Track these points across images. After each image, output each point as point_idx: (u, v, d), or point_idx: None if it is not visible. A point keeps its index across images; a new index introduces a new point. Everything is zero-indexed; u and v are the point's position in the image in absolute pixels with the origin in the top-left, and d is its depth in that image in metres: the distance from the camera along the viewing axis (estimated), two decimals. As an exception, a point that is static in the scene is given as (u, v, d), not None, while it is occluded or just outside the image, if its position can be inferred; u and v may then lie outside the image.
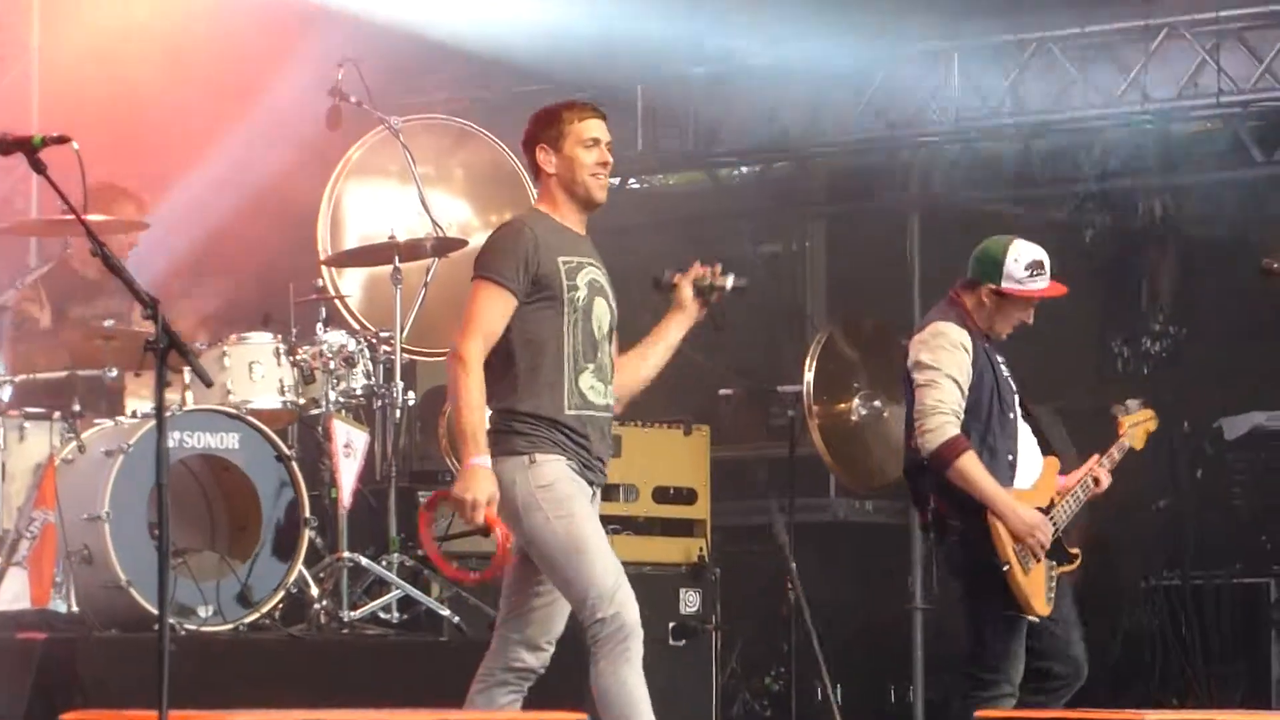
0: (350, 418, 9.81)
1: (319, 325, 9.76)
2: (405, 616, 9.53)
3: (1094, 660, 8.84)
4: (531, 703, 7.21)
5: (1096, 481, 8.24)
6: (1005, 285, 8.07)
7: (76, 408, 9.00)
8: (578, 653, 7.00)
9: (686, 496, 10.85)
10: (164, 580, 6.22)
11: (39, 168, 6.15)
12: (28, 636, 8.55)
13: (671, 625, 10.65)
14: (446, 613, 9.50)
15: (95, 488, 8.70)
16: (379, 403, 9.83)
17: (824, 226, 13.51)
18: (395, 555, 9.54)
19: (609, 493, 10.74)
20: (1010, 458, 8.20)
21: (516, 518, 6.85)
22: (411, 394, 10.01)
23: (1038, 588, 8.16)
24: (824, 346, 11.66)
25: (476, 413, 6.88)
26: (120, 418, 9.08)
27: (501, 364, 6.89)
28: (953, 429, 8.07)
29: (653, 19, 11.88)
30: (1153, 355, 13.06)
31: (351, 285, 10.63)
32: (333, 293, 10.32)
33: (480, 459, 6.83)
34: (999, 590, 8.13)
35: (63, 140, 6.18)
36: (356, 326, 10.13)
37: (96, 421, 9.07)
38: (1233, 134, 11.83)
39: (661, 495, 11.22)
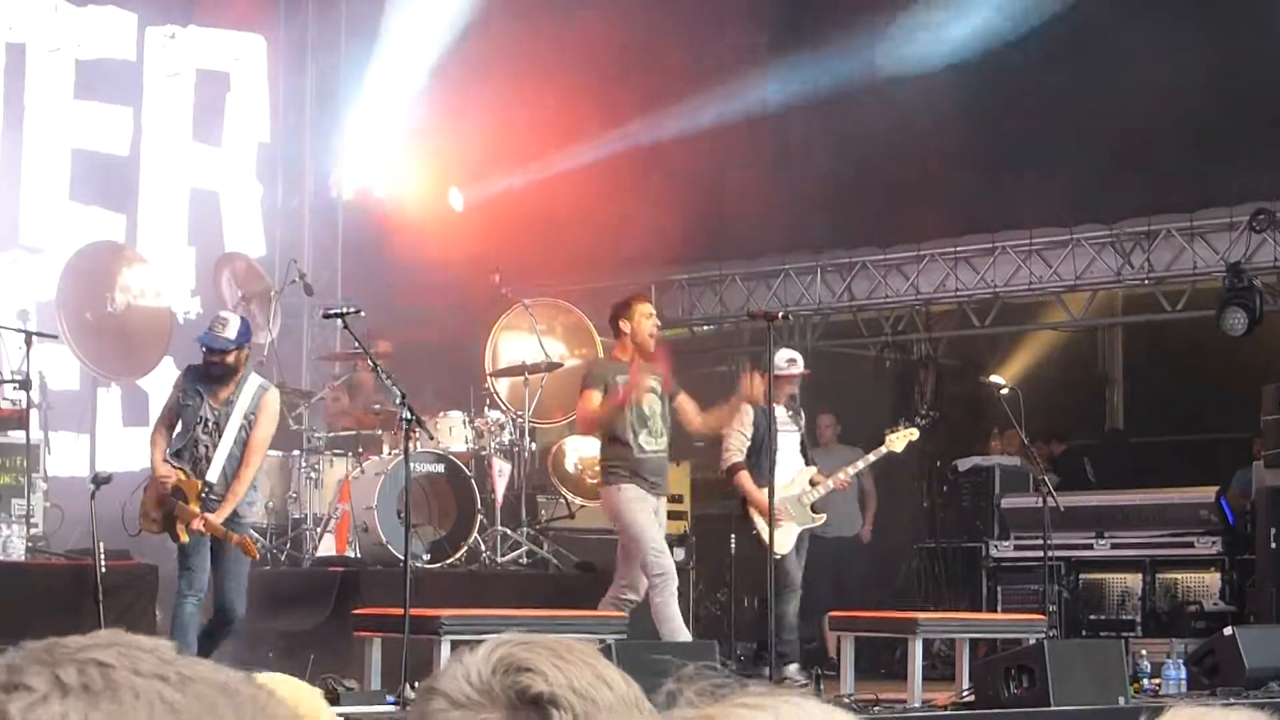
0: (502, 455, 11.54)
1: (485, 407, 11.90)
2: (529, 561, 11.30)
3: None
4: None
5: (840, 481, 10.44)
6: (775, 371, 9.78)
7: (360, 450, 11.26)
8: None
9: (677, 499, 11.95)
10: (407, 540, 8.23)
11: (345, 325, 8.87)
12: (334, 569, 10.53)
13: (673, 566, 10.30)
14: (551, 559, 11.31)
15: (370, 492, 10.54)
16: (516, 448, 11.66)
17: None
18: (524, 529, 11.35)
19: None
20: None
21: (614, 515, 8.84)
22: (534, 444, 11.87)
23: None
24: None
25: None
26: (383, 455, 11.00)
27: (607, 431, 8.96)
28: (739, 456, 10.01)
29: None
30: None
31: (503, 386, 12.44)
32: (493, 390, 12.23)
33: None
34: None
35: (357, 311, 8.82)
36: (505, 408, 12.02)
37: (371, 457, 11.08)
38: (962, 313, 14.31)
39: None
